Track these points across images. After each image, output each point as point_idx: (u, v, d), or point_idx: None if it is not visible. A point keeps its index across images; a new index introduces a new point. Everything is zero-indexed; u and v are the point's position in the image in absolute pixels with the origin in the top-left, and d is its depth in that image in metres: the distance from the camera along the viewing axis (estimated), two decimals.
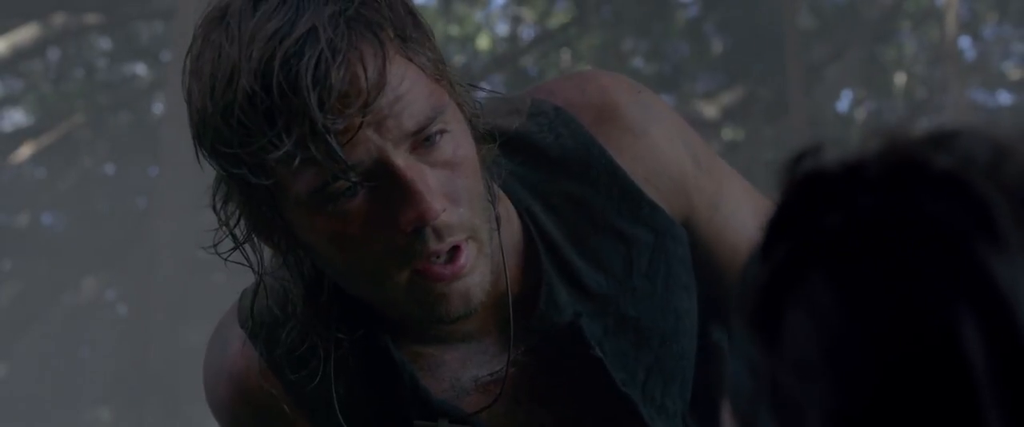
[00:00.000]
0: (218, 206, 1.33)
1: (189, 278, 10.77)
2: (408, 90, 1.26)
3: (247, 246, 1.35)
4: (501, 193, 1.40)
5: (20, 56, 13.15)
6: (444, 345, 1.44)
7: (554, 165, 1.43)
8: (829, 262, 0.59)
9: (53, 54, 14.31)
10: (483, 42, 14.22)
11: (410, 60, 1.27)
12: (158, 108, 14.32)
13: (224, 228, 1.33)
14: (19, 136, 14.17)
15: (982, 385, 0.55)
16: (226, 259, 1.35)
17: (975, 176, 0.59)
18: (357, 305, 1.40)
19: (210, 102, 1.24)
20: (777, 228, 0.62)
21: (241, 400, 1.46)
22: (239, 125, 1.23)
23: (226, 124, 1.23)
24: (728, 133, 14.15)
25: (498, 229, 1.38)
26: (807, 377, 0.59)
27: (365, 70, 1.23)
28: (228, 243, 1.35)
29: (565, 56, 14.12)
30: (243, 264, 1.36)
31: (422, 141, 1.27)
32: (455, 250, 1.30)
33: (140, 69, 14.90)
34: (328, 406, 1.43)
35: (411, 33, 1.28)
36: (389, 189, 1.26)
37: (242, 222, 1.33)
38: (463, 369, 1.45)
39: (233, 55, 1.23)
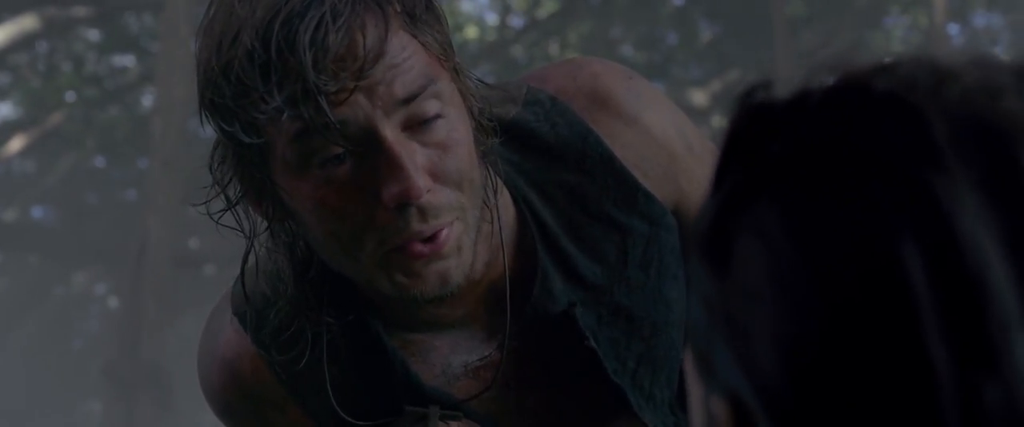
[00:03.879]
0: (214, 167, 1.33)
1: (180, 271, 10.76)
2: (403, 61, 1.26)
3: (239, 211, 1.36)
4: (501, 184, 1.40)
5: (8, 49, 13.11)
6: (434, 332, 1.44)
7: (550, 154, 1.43)
8: (775, 189, 0.60)
9: (41, 47, 14.27)
10: (471, 32, 14.21)
11: (414, 36, 1.28)
12: (148, 100, 14.30)
13: (217, 187, 1.34)
14: (8, 129, 14.14)
15: (923, 309, 0.55)
16: (218, 222, 1.36)
17: (916, 98, 0.59)
18: (348, 290, 1.40)
19: (214, 58, 1.26)
20: (726, 159, 0.63)
21: (233, 386, 1.46)
22: (236, 80, 1.24)
23: (225, 79, 1.25)
24: (718, 120, 14.16)
25: (498, 220, 1.38)
26: (755, 302, 0.59)
27: (364, 37, 1.24)
28: (219, 205, 1.35)
29: (554, 45, 14.11)
30: (235, 228, 1.36)
31: (419, 124, 1.27)
32: (437, 230, 1.30)
33: (129, 61, 14.87)
34: (320, 392, 1.43)
35: (420, 13, 1.29)
36: (376, 162, 1.26)
37: (236, 184, 1.34)
38: (453, 355, 1.45)
39: (241, 14, 1.25)
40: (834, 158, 0.59)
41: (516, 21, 14.75)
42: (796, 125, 0.60)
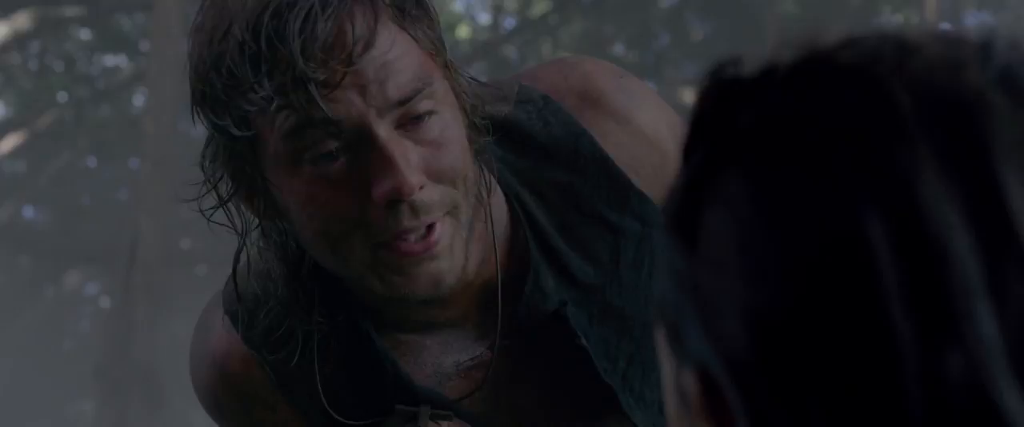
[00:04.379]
0: (205, 163, 1.33)
1: (172, 271, 10.74)
2: (396, 58, 1.27)
3: (231, 208, 1.36)
4: (494, 183, 1.40)
5: None
6: (425, 332, 1.44)
7: (542, 153, 1.43)
8: (742, 161, 0.60)
9: (33, 46, 14.25)
10: (463, 31, 14.20)
11: (404, 30, 1.28)
12: (139, 100, 14.28)
13: (208, 184, 1.34)
14: None
15: (885, 278, 0.56)
16: (209, 219, 1.36)
17: (880, 70, 0.59)
18: (339, 290, 1.40)
19: (206, 51, 1.26)
20: (694, 134, 0.63)
21: (223, 384, 1.46)
22: (227, 72, 1.24)
23: (216, 72, 1.25)
24: None
25: (490, 218, 1.38)
26: (723, 273, 0.59)
27: (353, 26, 1.24)
28: (211, 203, 1.35)
29: (546, 45, 14.11)
30: (226, 225, 1.36)
31: (411, 119, 1.27)
32: (429, 227, 1.29)
33: (121, 61, 14.85)
34: (311, 391, 1.43)
35: (410, 8, 1.29)
36: (368, 159, 1.26)
37: (227, 181, 1.34)
38: (445, 355, 1.45)
39: (232, 8, 1.25)
40: (799, 129, 0.59)
41: (508, 21, 14.75)
42: (762, 98, 0.61)
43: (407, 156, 1.26)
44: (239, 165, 1.32)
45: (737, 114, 0.61)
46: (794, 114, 0.60)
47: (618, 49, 14.11)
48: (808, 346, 0.57)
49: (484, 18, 14.78)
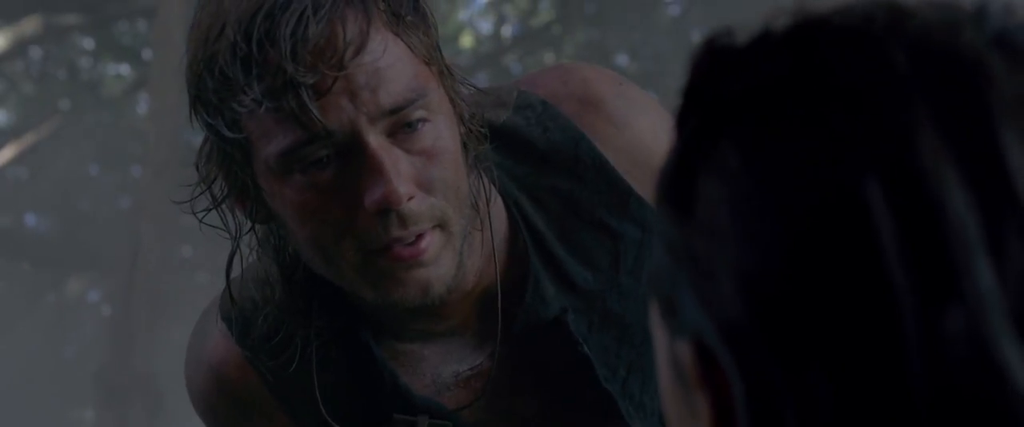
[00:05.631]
0: (201, 164, 1.33)
1: (173, 278, 10.74)
2: (389, 65, 1.26)
3: (225, 211, 1.35)
4: (494, 191, 1.39)
5: (2, 56, 13.10)
6: (424, 341, 1.43)
7: (541, 159, 1.42)
8: (737, 126, 0.60)
9: (36, 53, 14.26)
10: (466, 41, 14.20)
11: (398, 36, 1.27)
12: (141, 108, 14.28)
13: (202, 185, 1.34)
14: (1, 136, 14.12)
15: (884, 237, 0.56)
16: (202, 221, 1.35)
17: (875, 30, 0.59)
18: (337, 297, 1.39)
19: (200, 52, 1.26)
20: (688, 102, 0.63)
21: (219, 391, 1.45)
22: (219, 74, 1.24)
23: (209, 73, 1.25)
24: None
25: (490, 228, 1.38)
26: (718, 240, 0.59)
27: (344, 30, 1.24)
28: (205, 204, 1.35)
29: (549, 55, 14.11)
30: (219, 227, 1.36)
31: (402, 126, 1.27)
32: (418, 236, 1.29)
33: (123, 69, 14.85)
34: (308, 398, 1.42)
35: (406, 14, 1.28)
36: (359, 167, 1.26)
37: (221, 183, 1.33)
38: (444, 365, 1.44)
39: (227, 9, 1.25)
40: (794, 90, 0.59)
41: (511, 30, 14.75)
42: (756, 62, 0.61)
43: (397, 166, 1.26)
44: (232, 168, 1.32)
45: (731, 81, 0.61)
46: (789, 76, 0.59)
47: (621, 59, 14.11)
48: (805, 307, 0.56)
49: (486, 27, 14.78)
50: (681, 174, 0.62)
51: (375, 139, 1.26)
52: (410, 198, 1.26)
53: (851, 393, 0.56)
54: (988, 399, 0.55)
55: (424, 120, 1.28)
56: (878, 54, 0.59)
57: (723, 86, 0.61)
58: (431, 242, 1.29)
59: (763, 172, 0.58)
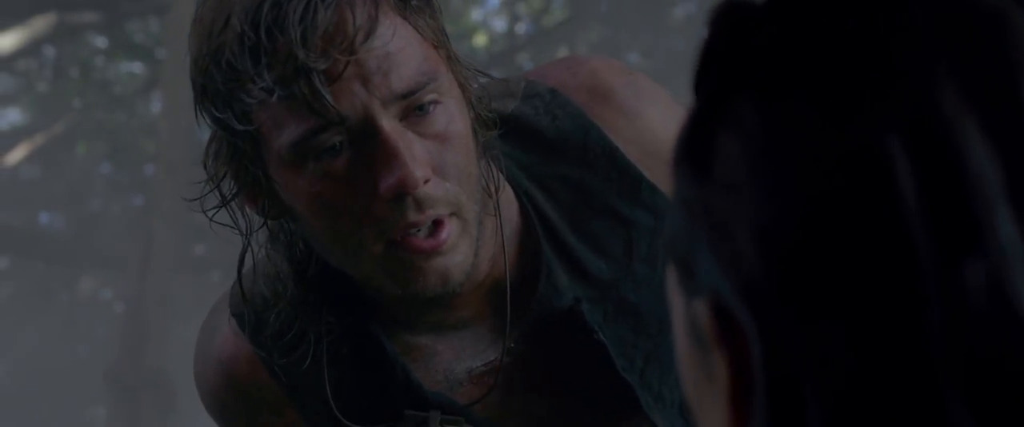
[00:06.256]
0: (209, 161, 1.32)
1: (186, 277, 10.75)
2: (399, 49, 1.25)
3: (235, 208, 1.34)
4: (503, 180, 1.38)
5: (15, 55, 13.13)
6: (437, 335, 1.42)
7: (551, 148, 1.41)
8: (756, 83, 0.59)
9: (49, 52, 14.29)
10: (480, 40, 14.20)
11: (406, 20, 1.27)
12: (155, 106, 14.30)
13: (212, 182, 1.33)
14: (15, 135, 14.15)
15: (903, 190, 0.55)
16: (211, 219, 1.34)
17: None
18: (349, 291, 1.38)
19: (206, 44, 1.25)
20: (705, 63, 0.62)
21: (229, 387, 1.44)
22: (227, 65, 1.23)
23: (216, 65, 1.24)
24: None
25: (498, 215, 1.37)
26: (735, 196, 0.58)
27: (354, 15, 1.23)
28: (214, 202, 1.34)
29: (562, 52, 14.11)
30: (230, 225, 1.35)
31: (414, 110, 1.26)
32: (437, 224, 1.28)
33: (136, 67, 14.88)
34: (319, 395, 1.41)
35: None
36: (373, 153, 1.25)
37: (231, 181, 1.32)
38: (457, 360, 1.43)
39: (231, 1, 1.24)
40: (813, 47, 0.58)
41: (524, 28, 14.75)
42: (774, 20, 0.60)
43: (412, 149, 1.25)
44: (243, 163, 1.30)
45: (749, 38, 0.60)
46: (808, 33, 0.59)
47: (633, 58, 14.10)
48: (824, 260, 0.56)
49: (500, 25, 14.78)
50: (699, 132, 0.61)
51: (388, 123, 1.25)
52: (426, 181, 1.25)
53: (870, 347, 0.55)
54: (1009, 351, 0.54)
55: (436, 102, 1.27)
56: (898, 7, 0.58)
57: (741, 43, 0.60)
58: (451, 230, 1.28)
59: (782, 126, 0.58)
